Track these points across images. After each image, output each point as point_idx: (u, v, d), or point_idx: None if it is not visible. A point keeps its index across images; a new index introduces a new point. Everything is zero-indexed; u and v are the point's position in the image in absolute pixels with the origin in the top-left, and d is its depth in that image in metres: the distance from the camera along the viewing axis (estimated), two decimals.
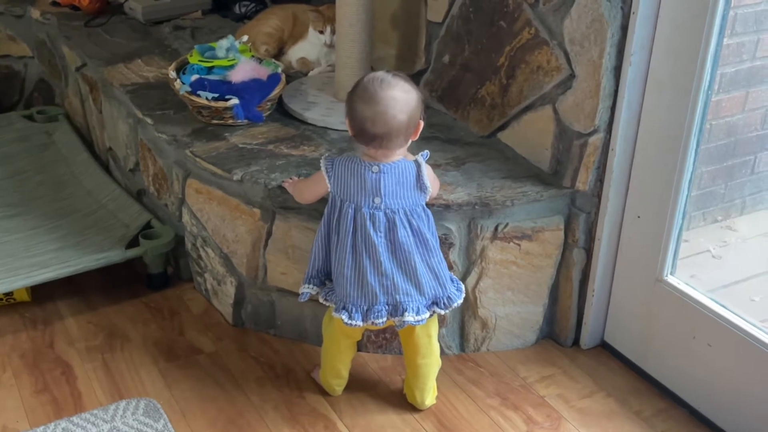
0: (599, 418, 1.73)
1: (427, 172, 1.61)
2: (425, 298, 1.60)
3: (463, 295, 1.66)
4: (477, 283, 1.83)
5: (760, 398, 1.59)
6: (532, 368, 1.87)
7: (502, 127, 1.97)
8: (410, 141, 1.59)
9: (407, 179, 1.57)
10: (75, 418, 1.68)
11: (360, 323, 1.59)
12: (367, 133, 1.53)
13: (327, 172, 1.60)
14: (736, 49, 1.91)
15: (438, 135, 2.04)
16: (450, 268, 1.80)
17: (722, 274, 2.05)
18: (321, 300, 1.66)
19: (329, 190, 1.61)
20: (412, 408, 1.75)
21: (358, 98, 1.53)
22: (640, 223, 1.75)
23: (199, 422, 1.70)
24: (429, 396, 1.74)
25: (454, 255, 1.80)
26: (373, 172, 1.56)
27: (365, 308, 1.59)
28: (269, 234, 1.85)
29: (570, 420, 1.73)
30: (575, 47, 1.71)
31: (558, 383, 1.83)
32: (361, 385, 1.81)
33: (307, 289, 1.66)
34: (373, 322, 1.59)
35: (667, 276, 1.74)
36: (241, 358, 1.89)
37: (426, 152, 1.63)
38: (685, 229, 1.74)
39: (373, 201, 1.56)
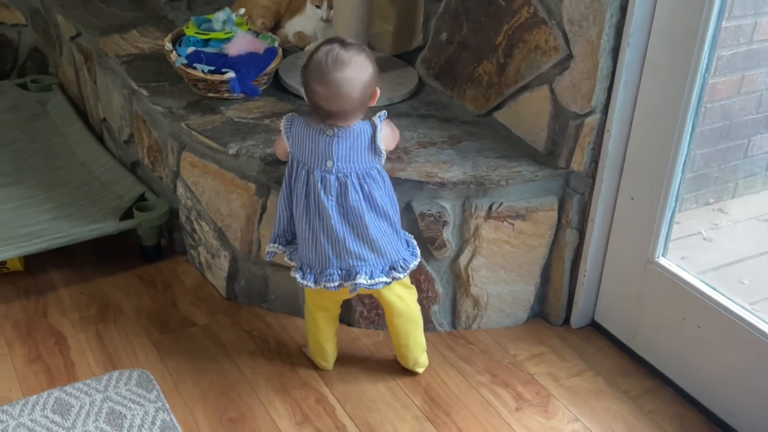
0: (587, 397, 1.75)
1: (385, 131, 1.59)
2: (382, 262, 1.60)
3: (418, 259, 1.66)
4: (470, 261, 1.84)
5: (747, 379, 1.61)
6: (522, 346, 1.89)
7: (498, 107, 1.97)
8: (367, 107, 1.57)
9: (362, 143, 1.56)
10: (68, 388, 1.69)
11: (312, 285, 1.60)
12: (322, 110, 1.53)
13: (286, 132, 1.60)
14: (733, 32, 1.91)
15: (434, 113, 2.03)
16: (443, 245, 1.81)
17: (713, 257, 2.07)
18: (286, 259, 1.67)
19: (288, 150, 1.61)
20: (403, 382, 1.77)
21: (312, 76, 1.51)
22: (634, 205, 1.76)
23: (191, 393, 1.71)
24: (413, 356, 1.75)
25: (448, 233, 1.80)
26: (327, 135, 1.55)
27: (318, 270, 1.60)
28: (264, 209, 1.85)
29: (559, 398, 1.75)
30: (574, 27, 1.70)
31: (547, 361, 1.85)
32: (353, 360, 1.82)
33: (272, 248, 1.67)
34: (324, 285, 1.59)
35: (658, 258, 1.75)
36: (233, 332, 1.90)
37: (384, 112, 1.61)
38: (677, 212, 1.76)
39: (325, 164, 1.55)
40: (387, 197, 1.60)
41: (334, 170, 1.55)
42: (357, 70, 1.51)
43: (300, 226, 1.60)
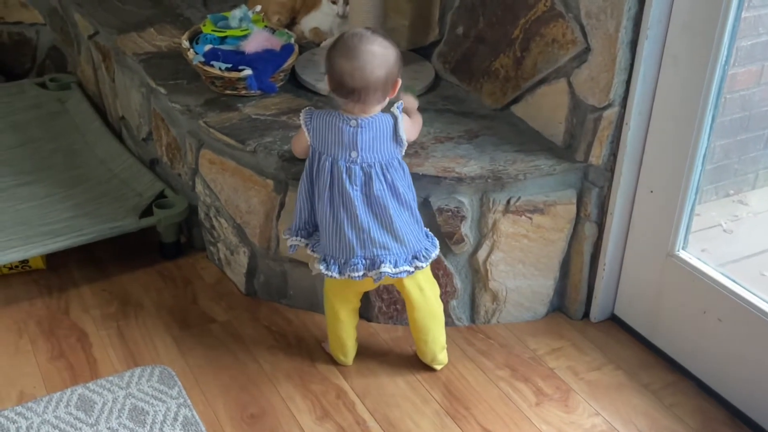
0: (608, 391, 1.75)
1: (406, 121, 1.61)
2: (405, 251, 1.61)
3: (437, 250, 1.67)
4: (488, 256, 1.84)
5: None
6: (541, 340, 1.89)
7: (515, 100, 1.96)
8: (388, 98, 1.59)
9: (384, 133, 1.58)
10: (91, 384, 1.71)
11: (336, 275, 1.61)
12: (345, 87, 1.54)
13: (306, 125, 1.61)
14: (753, 22, 1.89)
15: (451, 107, 2.03)
16: (461, 240, 1.81)
17: (733, 249, 2.05)
18: (308, 251, 1.67)
19: (309, 143, 1.62)
20: (422, 377, 1.77)
21: (338, 52, 1.54)
22: (653, 198, 1.75)
23: (212, 389, 1.73)
24: (431, 351, 1.75)
25: (466, 228, 1.80)
26: (350, 126, 1.56)
27: (342, 261, 1.61)
28: (282, 205, 1.86)
29: (579, 392, 1.75)
30: (591, 20, 1.69)
31: (567, 356, 1.84)
32: (372, 355, 1.83)
33: (294, 242, 1.68)
34: (349, 275, 1.60)
35: (678, 251, 1.74)
36: (253, 327, 1.91)
37: (401, 103, 1.63)
38: (696, 204, 1.74)
39: (349, 155, 1.57)
40: (408, 187, 1.62)
41: (358, 160, 1.56)
42: (382, 48, 1.54)
43: (323, 218, 1.61)
